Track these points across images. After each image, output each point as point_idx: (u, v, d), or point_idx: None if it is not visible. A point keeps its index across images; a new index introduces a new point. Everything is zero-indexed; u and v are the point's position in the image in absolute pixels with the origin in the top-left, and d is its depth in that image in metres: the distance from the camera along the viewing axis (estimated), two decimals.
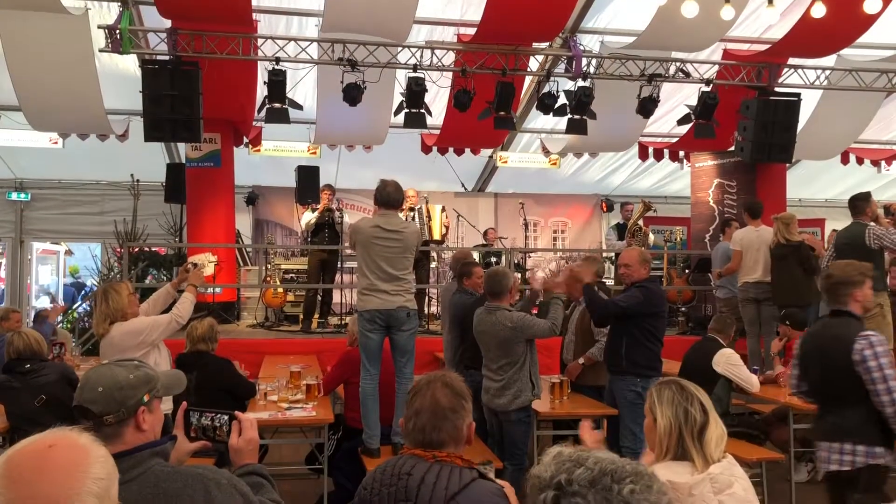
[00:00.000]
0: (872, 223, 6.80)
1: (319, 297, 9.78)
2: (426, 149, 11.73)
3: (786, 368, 6.54)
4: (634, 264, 5.44)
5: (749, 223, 8.47)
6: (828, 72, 9.87)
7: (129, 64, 9.75)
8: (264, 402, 5.59)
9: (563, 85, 9.52)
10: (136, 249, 11.14)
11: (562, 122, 9.71)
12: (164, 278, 10.90)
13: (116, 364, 2.19)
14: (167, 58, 8.59)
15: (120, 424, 2.06)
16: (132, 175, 11.81)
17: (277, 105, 8.79)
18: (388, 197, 5.30)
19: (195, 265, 5.44)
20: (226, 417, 2.30)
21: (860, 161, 12.61)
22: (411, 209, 9.64)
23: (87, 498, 1.36)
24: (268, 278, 10.49)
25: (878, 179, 13.55)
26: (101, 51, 8.49)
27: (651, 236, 11.06)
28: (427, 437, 2.26)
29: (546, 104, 9.37)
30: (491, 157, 13.01)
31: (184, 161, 11.06)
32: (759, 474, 5.82)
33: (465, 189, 13.97)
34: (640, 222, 10.74)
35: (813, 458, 6.59)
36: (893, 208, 6.69)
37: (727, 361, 5.92)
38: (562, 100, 9.38)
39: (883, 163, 12.70)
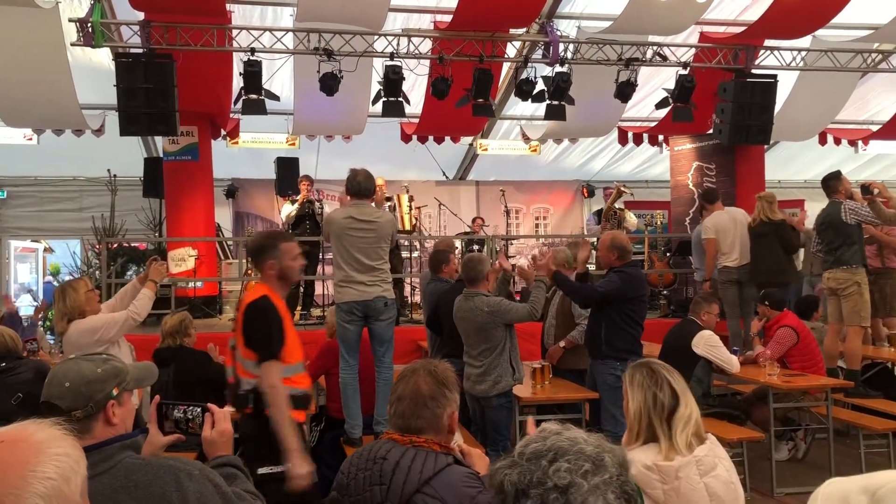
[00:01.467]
0: (847, 200, 6.85)
1: (301, 289, 9.74)
2: (406, 138, 11.69)
3: (766, 348, 6.61)
4: (603, 249, 5.50)
5: (712, 209, 8.51)
6: (804, 53, 9.91)
7: (103, 57, 9.64)
8: None
9: (541, 71, 9.51)
10: (115, 245, 11.05)
11: (541, 109, 9.69)
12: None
13: (84, 358, 2.17)
14: (141, 51, 8.49)
15: (89, 419, 2.05)
16: (109, 170, 11.70)
17: (254, 96, 8.71)
18: (360, 186, 5.27)
19: (158, 259, 5.38)
20: (199, 410, 2.30)
21: (838, 141, 12.69)
22: (388, 199, 9.62)
23: (31, 498, 1.28)
24: (249, 271, 10.43)
25: (856, 159, 13.66)
26: (72, 45, 8.38)
27: (631, 220, 11.07)
28: (406, 423, 2.28)
29: (524, 90, 9.36)
30: (471, 144, 13.00)
31: (161, 155, 10.97)
32: (740, 454, 5.88)
33: (447, 177, 13.95)
34: (619, 206, 10.78)
35: (793, 437, 6.67)
36: (871, 186, 6.72)
37: (707, 343, 5.96)
38: (540, 86, 9.37)
39: (860, 142, 12.78)
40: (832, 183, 7.00)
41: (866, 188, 6.74)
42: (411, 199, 10.16)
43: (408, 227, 9.93)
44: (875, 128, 12.46)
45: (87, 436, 2.02)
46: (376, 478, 2.18)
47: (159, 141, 11.36)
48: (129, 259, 10.96)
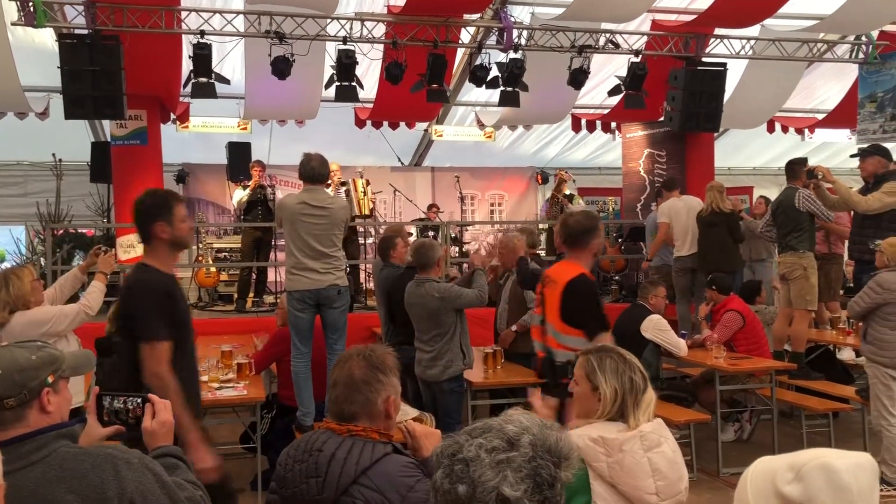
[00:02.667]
0: (803, 188, 6.98)
1: (254, 276, 9.64)
2: (360, 123, 11.61)
3: (713, 332, 6.75)
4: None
5: (669, 196, 8.65)
6: (752, 42, 10.09)
7: (46, 38, 9.37)
8: None
9: (495, 57, 9.51)
10: (61, 232, 10.79)
11: (495, 95, 9.70)
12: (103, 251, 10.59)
13: (17, 346, 2.11)
14: (86, 31, 8.27)
15: (22, 407, 1.99)
16: (54, 155, 11.41)
17: (204, 80, 8.57)
18: (313, 171, 5.22)
19: (106, 250, 5.25)
20: (139, 400, 2.27)
21: (785, 129, 12.95)
22: (343, 184, 9.55)
23: None
24: (200, 258, 10.30)
25: (803, 147, 13.93)
26: (13, 24, 8.13)
27: (577, 205, 11.01)
28: (340, 409, 2.25)
29: (478, 76, 9.36)
30: (426, 130, 12.96)
31: (109, 139, 10.73)
32: (687, 435, 6.01)
33: (402, 163, 13.89)
34: (568, 192, 10.86)
35: (739, 418, 6.83)
36: (816, 170, 6.88)
37: (655, 327, 6.05)
38: (494, 72, 9.37)
39: (806, 130, 13.05)
40: (796, 168, 7.09)
41: (811, 172, 6.90)
42: (367, 183, 10.10)
43: (364, 211, 9.87)
44: (821, 116, 12.74)
45: (20, 424, 1.97)
46: (312, 470, 2.15)
47: (107, 125, 11.09)
48: (75, 245, 10.69)
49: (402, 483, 2.09)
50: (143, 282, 3.26)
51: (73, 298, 5.35)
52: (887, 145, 7.26)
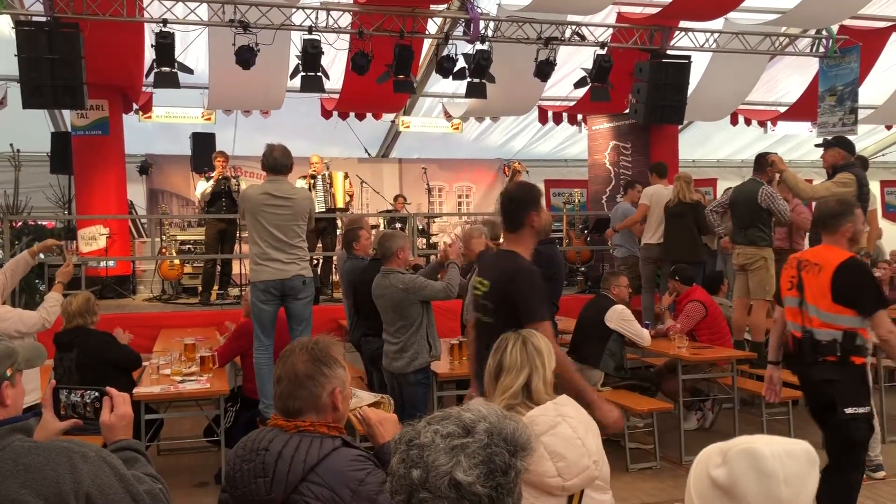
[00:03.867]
0: (767, 185, 7.06)
1: (218, 268, 9.54)
2: (326, 114, 11.54)
3: (676, 322, 6.83)
4: None
5: (656, 182, 8.69)
6: (716, 35, 10.20)
7: (3, 25, 9.16)
8: (157, 375, 5.44)
9: (462, 48, 9.51)
10: (19, 223, 10.58)
11: (463, 86, 9.71)
12: (53, 253, 10.39)
13: None
14: (44, 19, 8.11)
15: None
16: (12, 145, 11.16)
17: (166, 69, 8.45)
18: (276, 162, 5.19)
19: (60, 248, 5.17)
20: (97, 394, 2.22)
21: (748, 122, 13.13)
22: (313, 176, 9.50)
23: None
24: (163, 250, 10.17)
25: (766, 139, 14.17)
26: None
27: None
28: (285, 405, 2.20)
29: (445, 67, 9.35)
30: (393, 121, 12.91)
31: (70, 130, 10.54)
32: (650, 424, 6.08)
33: (369, 155, 13.84)
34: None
35: (701, 407, 6.93)
36: (769, 158, 6.98)
37: (619, 317, 6.11)
38: (461, 63, 9.38)
39: (769, 123, 13.26)
40: (764, 161, 7.11)
41: (763, 157, 7.03)
42: (346, 176, 10.06)
43: (340, 204, 9.81)
44: (783, 109, 12.94)
45: None
46: (259, 470, 2.10)
47: (67, 115, 10.90)
48: (35, 238, 10.48)
49: (352, 477, 2.06)
50: (527, 269, 3.37)
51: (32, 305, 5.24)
52: (848, 137, 7.37)
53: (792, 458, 1.31)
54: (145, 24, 8.81)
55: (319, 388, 2.18)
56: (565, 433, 2.57)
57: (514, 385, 2.70)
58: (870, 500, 5.12)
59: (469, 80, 9.40)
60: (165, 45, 8.29)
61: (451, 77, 9.50)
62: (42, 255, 8.56)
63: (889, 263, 9.02)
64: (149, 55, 8.89)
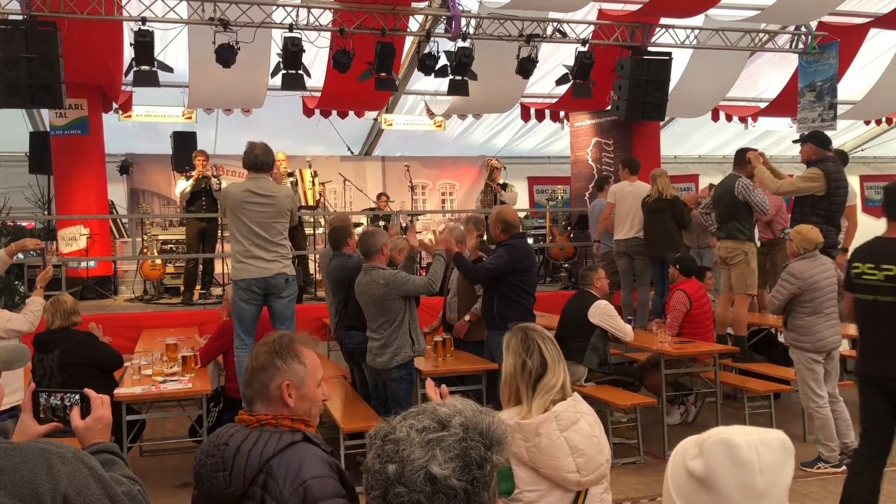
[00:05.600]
0: (745, 178, 7.11)
1: (200, 268, 9.49)
2: (308, 112, 11.48)
3: (666, 315, 6.90)
4: (491, 224, 5.77)
5: (626, 178, 8.75)
6: (696, 31, 10.25)
7: None
8: (138, 376, 5.40)
9: (444, 45, 9.49)
10: None
11: (445, 84, 9.70)
12: (32, 254, 10.30)
13: None
14: (21, 17, 8.02)
15: None
16: None
17: (146, 68, 8.38)
18: (257, 160, 5.18)
19: (40, 252, 5.15)
20: (76, 396, 2.20)
21: (729, 118, 13.21)
22: (290, 174, 9.45)
23: None
24: (145, 250, 10.09)
25: (746, 135, 14.24)
26: None
27: (510, 194, 10.88)
28: (244, 394, 2.27)
29: (427, 65, 9.33)
30: (376, 119, 12.89)
31: (48, 129, 10.44)
32: (634, 419, 6.11)
33: (352, 153, 13.80)
34: (502, 181, 10.89)
35: (684, 402, 6.97)
36: (748, 155, 7.03)
37: (602, 313, 6.12)
38: (443, 60, 9.36)
39: (749, 119, 13.33)
40: (744, 156, 7.15)
41: (743, 152, 7.09)
42: (315, 174, 10.00)
43: (310, 202, 9.78)
44: (763, 105, 13.02)
45: None
46: (220, 464, 2.12)
47: (46, 114, 10.80)
48: (14, 238, 10.37)
49: (296, 476, 2.04)
50: None
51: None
52: (827, 133, 7.43)
53: (767, 448, 1.32)
54: (124, 23, 8.73)
55: (269, 379, 2.20)
56: (584, 430, 2.63)
57: (558, 382, 2.72)
58: None
59: (451, 77, 9.39)
60: (144, 43, 8.22)
61: (433, 74, 9.49)
62: (21, 255, 8.49)
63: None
64: (128, 53, 8.83)
